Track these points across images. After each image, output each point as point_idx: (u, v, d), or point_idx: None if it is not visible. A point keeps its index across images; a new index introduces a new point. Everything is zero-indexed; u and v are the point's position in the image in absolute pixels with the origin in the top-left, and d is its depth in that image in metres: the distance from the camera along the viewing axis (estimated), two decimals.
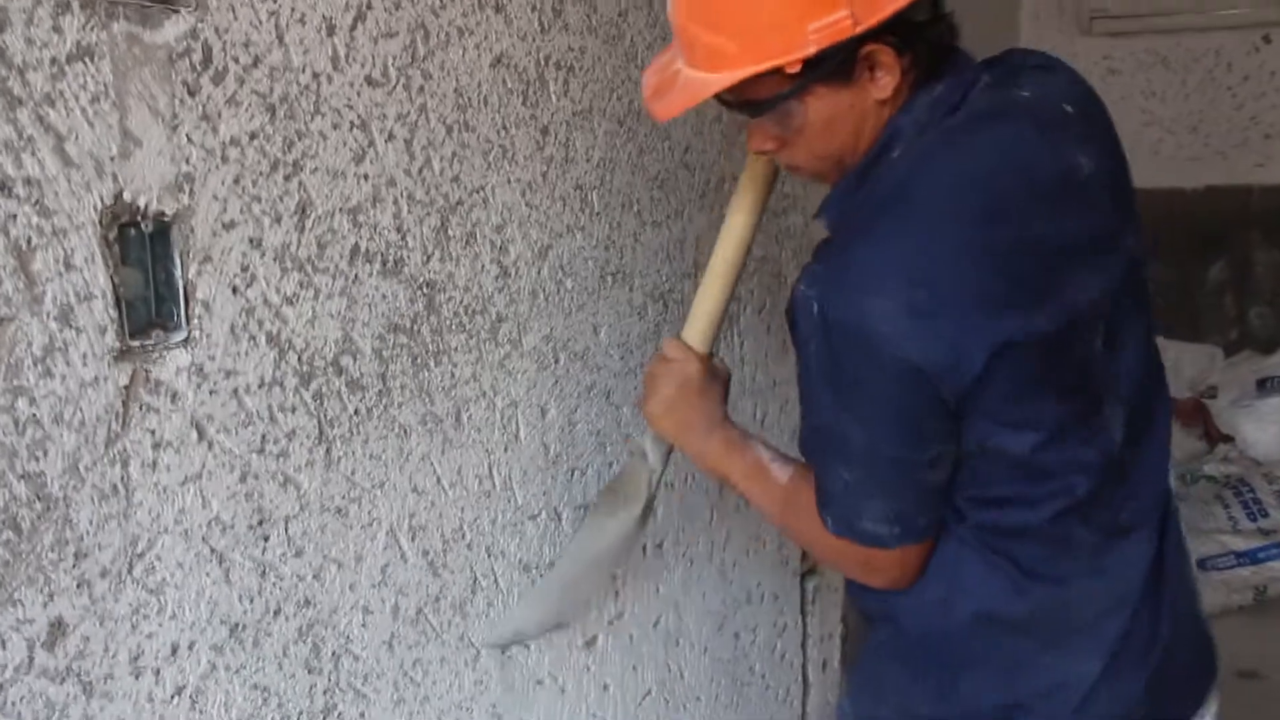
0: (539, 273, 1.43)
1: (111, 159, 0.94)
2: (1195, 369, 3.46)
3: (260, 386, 1.08)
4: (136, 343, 0.97)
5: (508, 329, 1.38)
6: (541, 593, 1.44)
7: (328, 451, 1.16)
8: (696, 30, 1.10)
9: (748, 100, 1.11)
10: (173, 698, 1.02)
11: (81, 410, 0.93)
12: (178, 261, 1.00)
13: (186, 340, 1.01)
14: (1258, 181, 3.31)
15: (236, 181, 1.04)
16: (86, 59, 0.91)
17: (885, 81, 1.09)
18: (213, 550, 1.05)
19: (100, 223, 0.93)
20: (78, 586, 0.94)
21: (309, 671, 1.16)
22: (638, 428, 1.51)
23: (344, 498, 1.18)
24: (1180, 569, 1.27)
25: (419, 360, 1.26)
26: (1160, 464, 1.24)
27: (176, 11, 0.98)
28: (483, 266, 1.34)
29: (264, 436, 1.09)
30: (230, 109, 1.03)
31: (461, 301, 1.31)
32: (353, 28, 1.15)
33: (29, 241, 0.88)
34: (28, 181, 0.88)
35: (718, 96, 1.11)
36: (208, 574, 1.05)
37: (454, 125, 1.28)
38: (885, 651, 1.27)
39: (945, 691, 1.22)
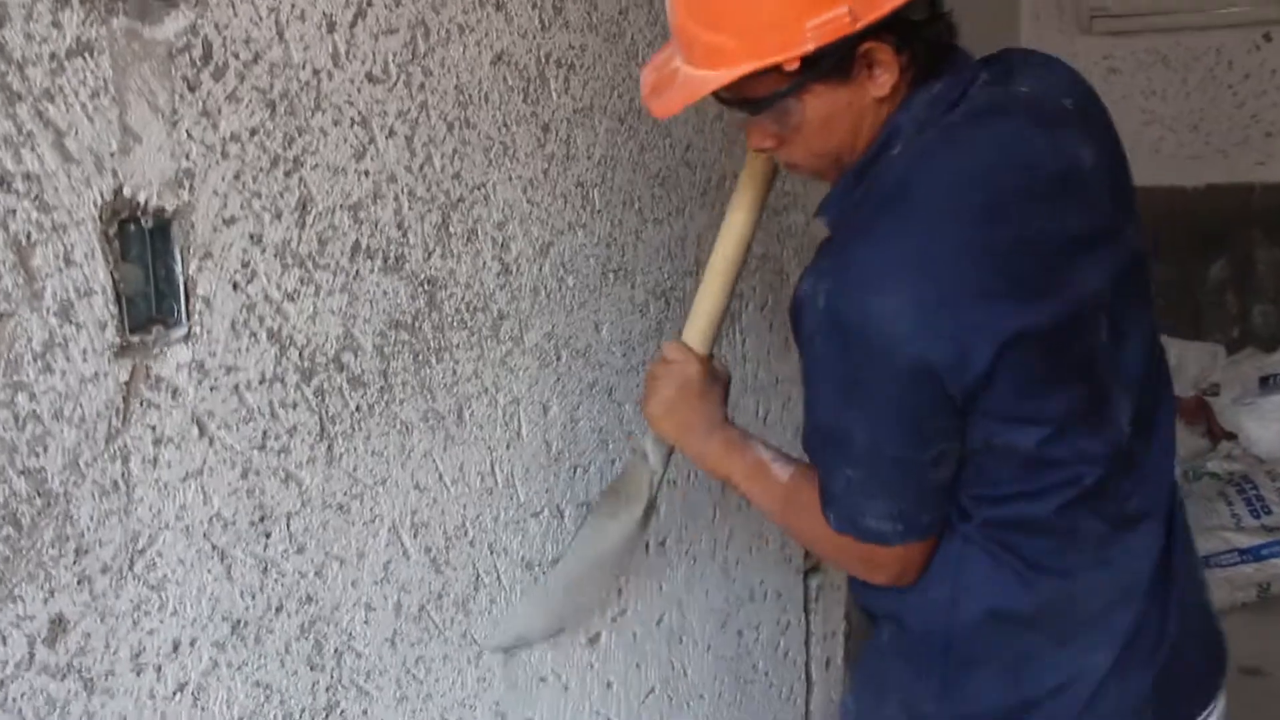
0: (540, 270, 1.43)
1: (111, 154, 0.93)
2: (1198, 367, 3.45)
3: (261, 383, 1.08)
4: (137, 338, 0.97)
5: (509, 326, 1.38)
6: (543, 596, 1.44)
7: (329, 448, 1.15)
8: (695, 28, 1.10)
9: (746, 98, 1.11)
10: (174, 694, 1.02)
11: (82, 406, 0.93)
12: (178, 257, 0.99)
13: (187, 336, 1.01)
14: (1259, 179, 3.31)
15: (237, 177, 1.04)
16: (86, 54, 0.91)
17: (883, 79, 1.09)
18: (214, 547, 1.05)
19: (100, 218, 0.93)
20: (78, 583, 0.93)
21: (311, 668, 1.16)
22: (640, 425, 1.50)
23: (346, 494, 1.18)
24: (1188, 562, 1.27)
25: (420, 357, 1.26)
26: (1166, 456, 1.24)
27: (176, 7, 0.98)
28: (484, 263, 1.34)
29: (265, 433, 1.08)
30: (230, 105, 1.03)
31: (463, 298, 1.31)
32: (353, 24, 1.15)
33: (29, 237, 0.88)
34: (27, 177, 0.88)
35: (716, 94, 1.11)
36: (209, 570, 1.04)
37: (455, 122, 1.28)
38: (889, 650, 1.27)
39: (949, 689, 1.21)
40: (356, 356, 1.18)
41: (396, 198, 1.21)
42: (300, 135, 1.10)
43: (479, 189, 1.32)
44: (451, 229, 1.28)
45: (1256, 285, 3.41)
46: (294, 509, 1.12)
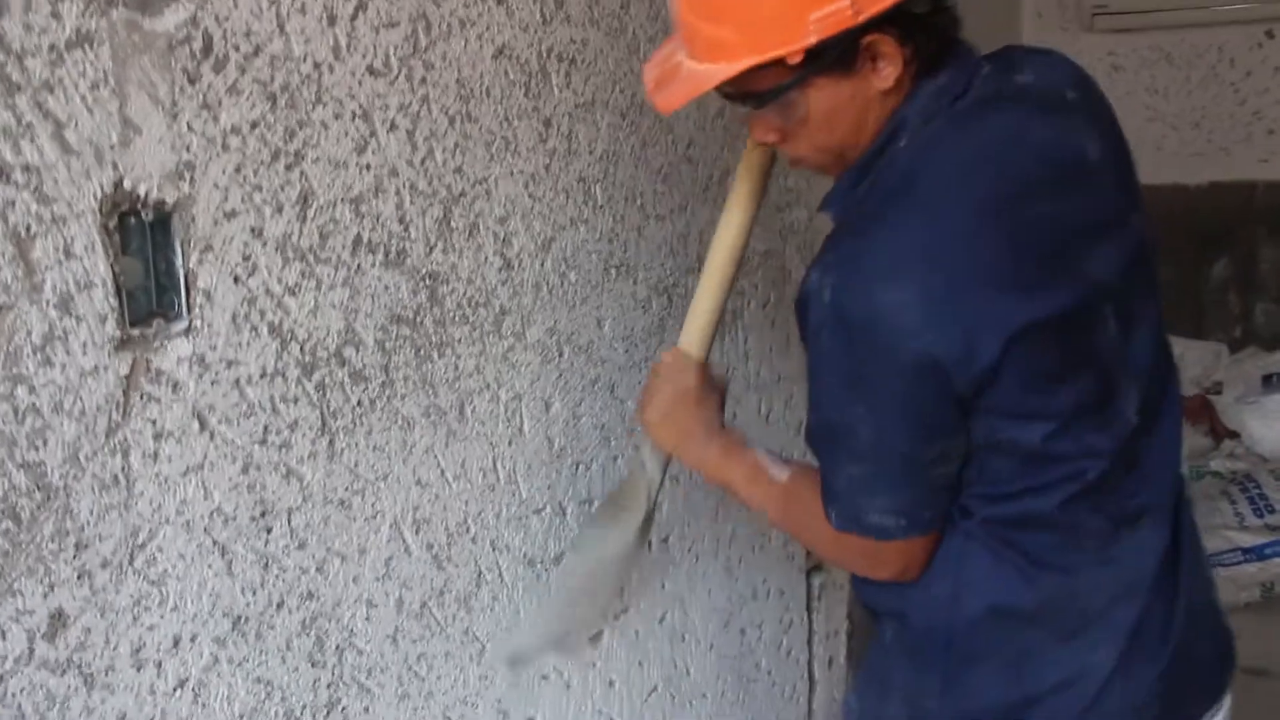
0: (542, 265, 1.42)
1: (111, 147, 0.93)
2: (1200, 366, 3.45)
3: (262, 377, 1.07)
4: (137, 332, 0.96)
5: (511, 321, 1.38)
6: (545, 610, 1.42)
7: (330, 443, 1.15)
8: (697, 22, 1.09)
9: (749, 92, 1.11)
10: (175, 690, 1.02)
11: (82, 399, 0.92)
12: (178, 250, 0.99)
13: (188, 330, 1.00)
14: (1261, 177, 3.30)
15: (238, 170, 1.03)
16: (86, 45, 0.90)
17: (887, 72, 1.09)
18: (215, 542, 1.04)
19: (100, 211, 0.92)
20: (78, 577, 0.93)
21: (312, 665, 1.15)
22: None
23: (347, 490, 1.17)
24: (1195, 559, 1.26)
25: (422, 352, 1.25)
26: (1171, 451, 1.24)
27: None
28: (486, 258, 1.33)
29: (266, 427, 1.08)
30: (231, 97, 1.02)
31: (464, 293, 1.30)
32: (353, 17, 1.14)
33: (28, 229, 0.88)
34: (27, 168, 0.87)
35: (720, 89, 1.11)
36: (210, 566, 1.04)
37: (456, 116, 1.27)
38: (892, 647, 1.26)
39: (951, 686, 1.21)
40: (358, 351, 1.17)
41: (398, 192, 1.20)
42: (301, 128, 1.09)
43: (481, 183, 1.31)
44: (453, 224, 1.28)
45: (1259, 283, 3.40)
46: (295, 504, 1.12)
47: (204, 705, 1.04)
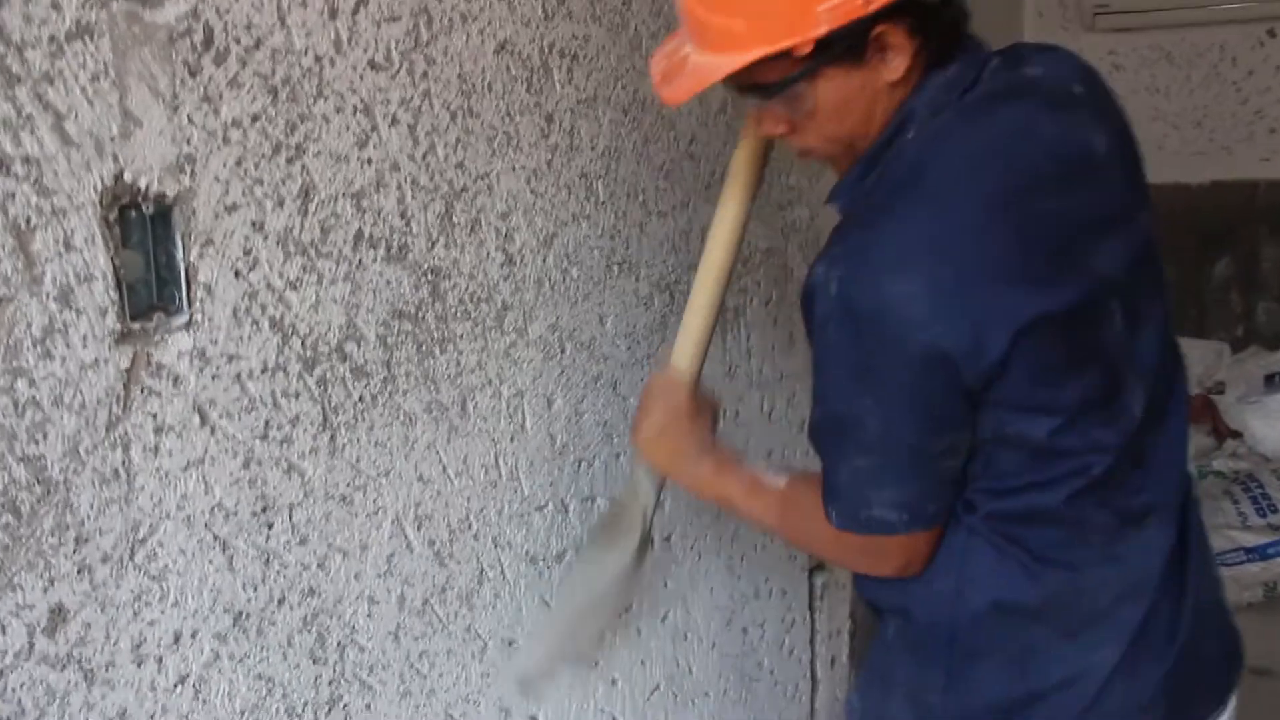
0: (544, 261, 1.42)
1: (111, 139, 0.92)
2: (1202, 365, 3.44)
3: (263, 371, 1.07)
4: (137, 325, 0.95)
5: (513, 317, 1.37)
6: (545, 637, 1.41)
7: (332, 438, 1.14)
8: (704, 13, 1.09)
9: (757, 84, 1.10)
10: (175, 686, 1.01)
11: (82, 393, 0.91)
12: (179, 244, 0.98)
13: (188, 324, 1.00)
14: (1263, 176, 3.30)
15: (239, 164, 1.03)
16: (86, 37, 0.90)
17: (897, 63, 1.08)
18: (215, 537, 1.03)
19: (100, 203, 0.92)
20: (78, 572, 0.92)
21: (314, 662, 1.14)
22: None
23: (349, 485, 1.17)
24: (1203, 559, 1.25)
25: (424, 347, 1.25)
26: (1178, 449, 1.23)
27: None
28: (488, 254, 1.32)
29: (267, 422, 1.07)
30: (232, 90, 1.02)
31: (466, 289, 1.30)
32: (355, 11, 1.14)
33: (28, 221, 0.87)
34: (26, 160, 0.87)
35: (727, 80, 1.10)
36: (210, 561, 1.03)
37: (458, 111, 1.27)
38: (894, 644, 1.26)
39: (954, 681, 1.20)
40: (359, 346, 1.17)
41: (399, 186, 1.20)
42: (302, 122, 1.09)
43: (482, 179, 1.31)
44: (455, 219, 1.27)
45: (1261, 283, 3.39)
46: (296, 500, 1.11)
47: (205, 701, 1.04)
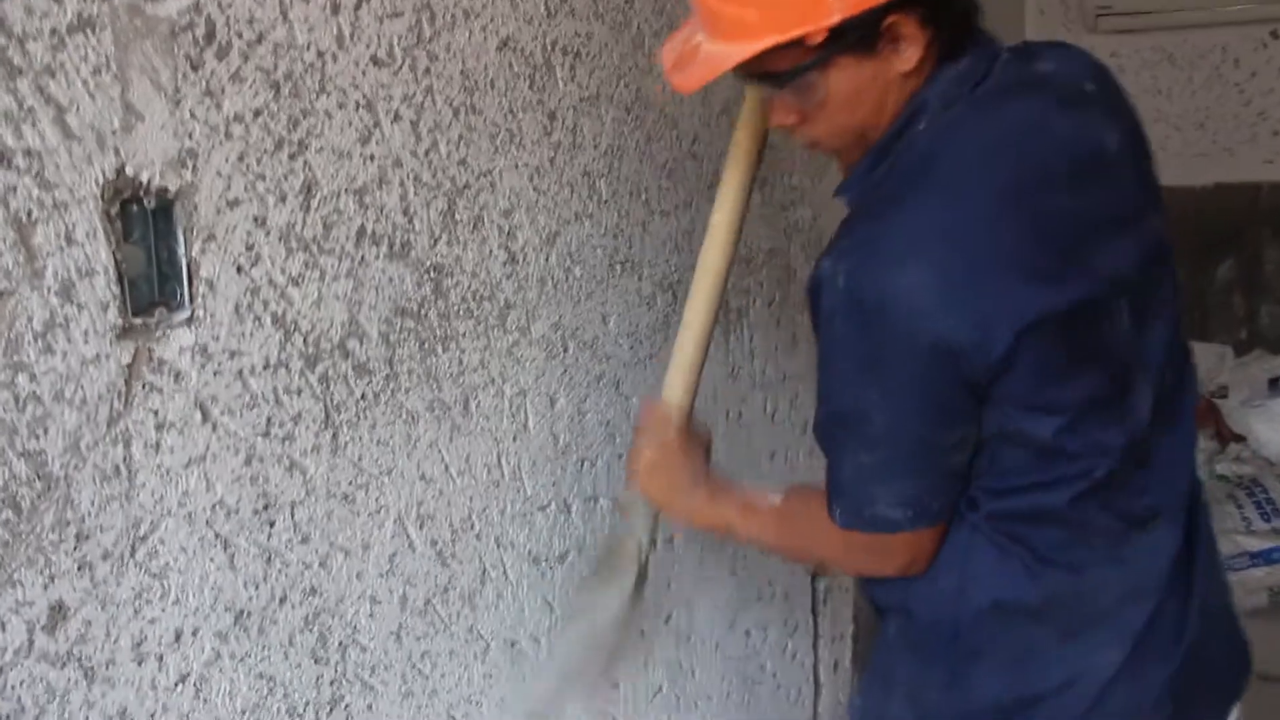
0: (547, 259, 1.41)
1: (113, 132, 0.92)
2: (1205, 369, 3.42)
3: (265, 368, 1.06)
4: (139, 320, 0.95)
5: (516, 316, 1.36)
6: (544, 677, 1.40)
7: (334, 436, 1.13)
8: (717, 2, 1.08)
9: (769, 72, 1.09)
10: (176, 685, 1.00)
11: (83, 388, 0.91)
12: (181, 239, 0.98)
13: (190, 319, 0.99)
14: (1266, 178, 3.29)
15: (241, 159, 1.02)
16: (87, 30, 0.89)
17: (909, 54, 1.08)
18: (217, 535, 1.03)
19: (102, 197, 0.91)
20: (79, 569, 0.91)
21: (315, 661, 1.13)
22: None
23: (351, 484, 1.16)
24: (1211, 563, 1.24)
25: (426, 345, 1.24)
26: (1185, 452, 1.22)
27: None
28: (490, 252, 1.32)
29: (269, 419, 1.07)
30: (234, 85, 1.01)
31: (469, 287, 1.29)
32: (357, 7, 1.13)
33: (29, 214, 0.87)
34: (28, 153, 0.86)
35: (738, 69, 1.10)
36: (212, 559, 1.02)
37: (461, 108, 1.26)
38: (896, 643, 1.25)
39: (955, 680, 1.19)
40: (362, 344, 1.16)
41: (402, 183, 1.19)
42: (305, 118, 1.08)
43: (485, 176, 1.30)
44: (457, 216, 1.27)
45: (1264, 285, 3.38)
46: (298, 498, 1.10)
47: (205, 700, 1.03)
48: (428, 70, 1.22)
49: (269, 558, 1.08)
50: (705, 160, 1.71)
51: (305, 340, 1.10)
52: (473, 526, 1.33)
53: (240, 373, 1.04)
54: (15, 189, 0.85)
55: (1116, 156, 1.12)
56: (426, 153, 1.22)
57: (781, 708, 2.04)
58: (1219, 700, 1.28)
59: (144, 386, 0.95)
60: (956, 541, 1.16)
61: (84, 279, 0.90)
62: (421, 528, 1.25)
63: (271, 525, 1.08)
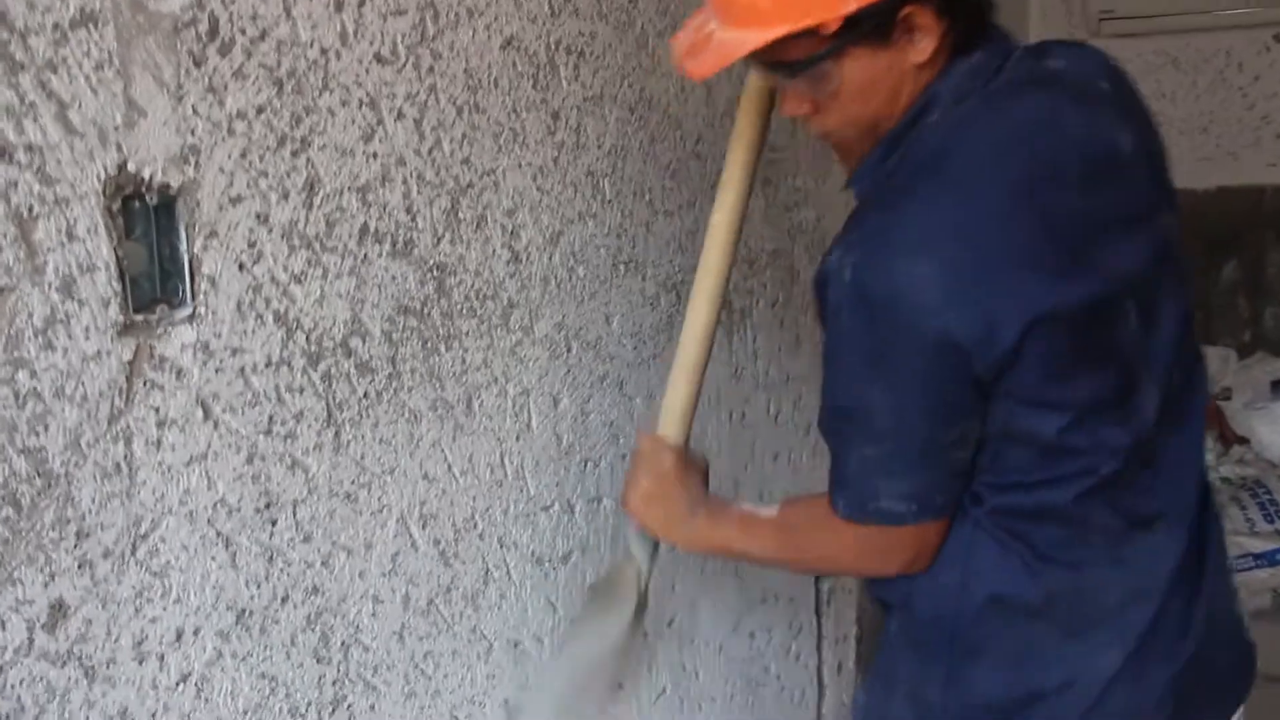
0: (550, 259, 1.40)
1: (115, 128, 0.91)
2: (1208, 371, 3.42)
3: (267, 366, 1.05)
4: (140, 317, 0.94)
5: (519, 315, 1.36)
6: (541, 705, 1.39)
7: (336, 435, 1.13)
8: None
9: (782, 61, 1.09)
10: (178, 685, 0.99)
11: (84, 385, 0.90)
12: (183, 235, 0.97)
13: (192, 316, 0.98)
14: (1270, 182, 3.29)
15: (243, 155, 1.02)
16: (90, 25, 0.89)
17: (924, 45, 1.07)
18: (218, 533, 1.02)
19: (104, 193, 0.91)
20: (79, 567, 0.91)
21: (318, 661, 1.13)
22: (650, 424, 1.48)
23: (353, 483, 1.15)
24: (1220, 566, 1.24)
25: (429, 344, 1.23)
26: (1193, 454, 1.22)
27: None
28: (494, 251, 1.31)
29: (271, 417, 1.06)
30: (237, 82, 1.01)
31: (472, 286, 1.29)
32: (361, 4, 1.13)
33: (30, 210, 0.86)
34: (29, 148, 0.86)
35: (751, 57, 1.09)
36: (213, 558, 1.02)
37: (464, 106, 1.26)
38: (897, 640, 1.25)
39: (955, 677, 1.19)
40: (364, 342, 1.16)
41: (405, 181, 1.19)
42: (308, 115, 1.08)
43: (489, 175, 1.30)
44: (461, 215, 1.26)
45: (1268, 288, 3.38)
46: (300, 496, 1.10)
47: (207, 700, 1.02)
48: (431, 68, 1.21)
49: (271, 556, 1.07)
50: (709, 160, 1.70)
51: (308, 338, 1.09)
52: (476, 526, 1.32)
53: (242, 370, 1.03)
54: (16, 184, 0.85)
55: (1129, 156, 1.12)
56: (430, 151, 1.22)
57: (785, 710, 2.04)
58: (1223, 703, 1.27)
59: (145, 384, 0.95)
60: (959, 537, 1.16)
61: (85, 275, 0.90)
62: (424, 527, 1.25)
63: (273, 524, 1.07)
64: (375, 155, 1.15)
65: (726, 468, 1.81)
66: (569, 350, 1.45)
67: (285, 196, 1.06)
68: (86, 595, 0.92)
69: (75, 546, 0.90)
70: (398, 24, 1.17)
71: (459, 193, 1.26)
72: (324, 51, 1.09)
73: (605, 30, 1.48)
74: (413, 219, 1.20)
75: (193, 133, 0.97)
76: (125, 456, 0.94)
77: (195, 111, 0.97)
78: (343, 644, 1.16)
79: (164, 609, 0.98)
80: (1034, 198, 1.06)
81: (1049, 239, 1.05)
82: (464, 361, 1.28)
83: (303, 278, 1.08)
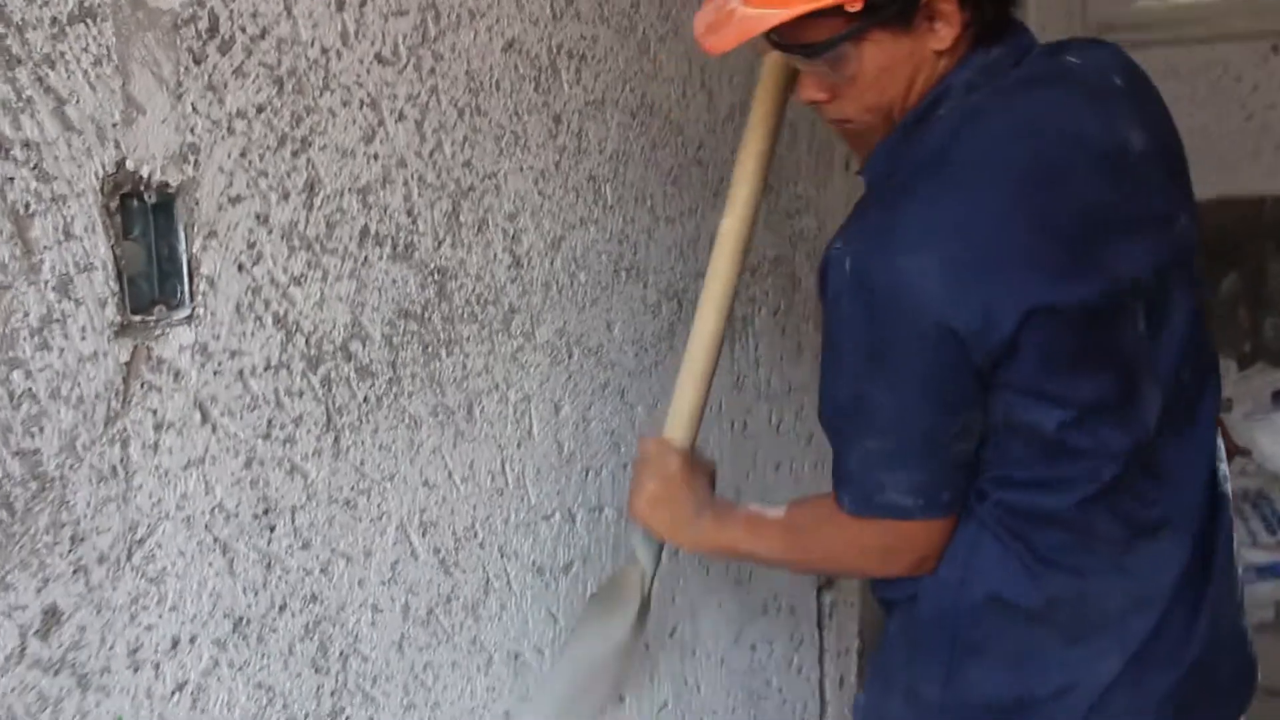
0: (552, 264, 1.39)
1: (114, 125, 0.90)
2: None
3: (266, 369, 1.04)
4: (138, 318, 0.93)
5: (520, 321, 1.34)
6: (541, 709, 1.37)
7: (336, 440, 1.11)
8: None
9: (803, 42, 1.08)
10: (173, 694, 0.97)
11: (80, 386, 0.88)
12: (182, 235, 0.96)
13: (190, 317, 0.97)
14: (1269, 192, 3.30)
15: (243, 155, 1.00)
16: (88, 20, 0.88)
17: (945, 33, 1.07)
18: (216, 539, 1.00)
19: (102, 191, 0.89)
20: (74, 572, 0.89)
21: (316, 671, 1.11)
22: (653, 430, 1.46)
23: (353, 489, 1.13)
24: (1228, 580, 1.22)
25: (430, 349, 1.22)
26: (1201, 462, 1.20)
27: None
28: (495, 255, 1.30)
29: (270, 421, 1.04)
30: (237, 80, 1.00)
31: (473, 290, 1.27)
32: (362, 4, 1.12)
33: (27, 207, 0.85)
34: (26, 144, 0.84)
35: (771, 39, 1.08)
36: (210, 564, 1.00)
37: (465, 108, 1.25)
38: (897, 641, 1.24)
39: (952, 675, 1.18)
40: (364, 346, 1.14)
41: (406, 183, 1.17)
42: (308, 115, 1.06)
43: (490, 178, 1.28)
44: (462, 218, 1.25)
45: (1268, 299, 3.38)
46: (299, 502, 1.08)
47: (203, 710, 1.00)
48: (432, 70, 1.20)
49: (269, 563, 1.05)
50: (710, 167, 1.69)
51: (307, 341, 1.08)
52: (476, 535, 1.30)
53: (241, 373, 1.01)
54: (13, 180, 0.83)
55: (1140, 155, 1.11)
56: (431, 153, 1.20)
57: None
58: (1222, 715, 1.26)
59: (142, 385, 0.93)
60: (963, 534, 1.15)
61: (82, 274, 0.88)
62: (424, 535, 1.23)
63: (272, 530, 1.05)
64: (376, 156, 1.14)
65: (728, 478, 1.79)
66: (570, 357, 1.43)
67: (285, 197, 1.05)
68: (80, 601, 0.90)
69: (70, 551, 0.89)
70: (399, 24, 1.16)
71: (460, 196, 1.24)
72: (325, 51, 1.08)
73: (607, 34, 1.47)
74: (413, 221, 1.19)
75: (192, 131, 0.96)
76: (121, 460, 0.92)
77: (195, 109, 0.96)
78: (341, 654, 1.13)
79: (160, 616, 0.96)
80: (1036, 195, 1.05)
81: (1050, 236, 1.05)
82: (465, 367, 1.27)
83: (302, 280, 1.07)
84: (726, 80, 1.70)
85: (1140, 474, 1.13)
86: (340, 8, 1.09)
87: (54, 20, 0.86)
